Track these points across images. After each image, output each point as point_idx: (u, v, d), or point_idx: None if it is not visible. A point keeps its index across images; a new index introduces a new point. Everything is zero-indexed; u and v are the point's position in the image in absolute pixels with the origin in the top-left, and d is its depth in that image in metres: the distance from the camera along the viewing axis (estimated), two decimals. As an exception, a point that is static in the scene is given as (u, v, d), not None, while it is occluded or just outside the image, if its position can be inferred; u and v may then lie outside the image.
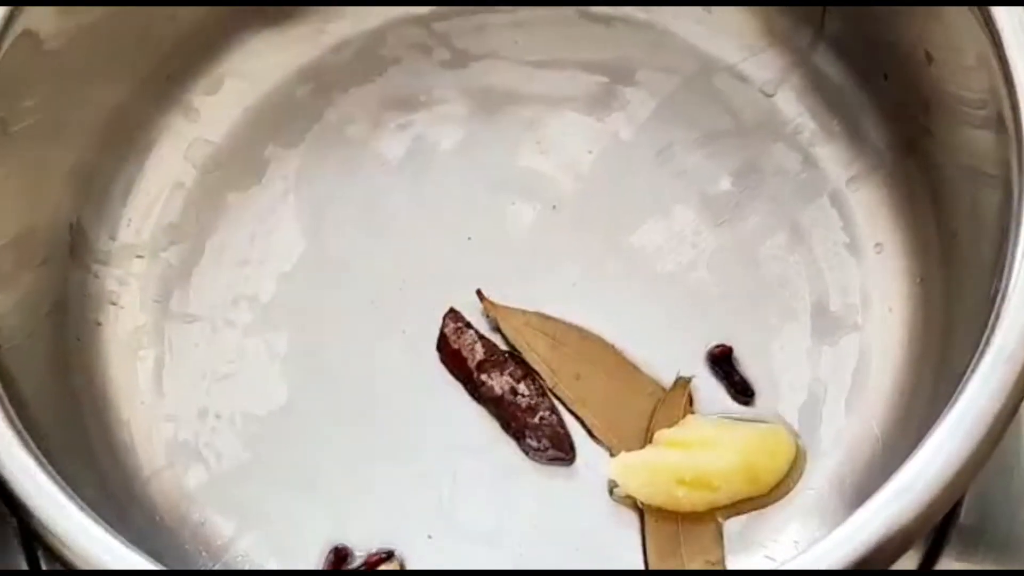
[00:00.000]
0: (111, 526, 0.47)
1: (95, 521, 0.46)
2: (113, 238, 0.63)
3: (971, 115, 0.55)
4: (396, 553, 0.57)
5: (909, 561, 0.57)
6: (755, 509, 0.57)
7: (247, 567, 0.57)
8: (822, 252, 0.62)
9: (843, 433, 0.58)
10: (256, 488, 0.58)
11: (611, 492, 0.57)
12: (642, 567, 0.56)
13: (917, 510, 0.43)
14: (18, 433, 0.48)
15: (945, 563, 0.57)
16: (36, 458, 0.47)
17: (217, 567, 0.56)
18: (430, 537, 0.57)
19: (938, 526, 0.57)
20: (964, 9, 0.53)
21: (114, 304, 0.62)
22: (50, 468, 0.47)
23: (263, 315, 0.62)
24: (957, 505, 0.57)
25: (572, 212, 0.64)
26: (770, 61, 0.66)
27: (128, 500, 0.57)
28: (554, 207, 0.64)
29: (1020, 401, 0.46)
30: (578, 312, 0.61)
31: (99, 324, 0.61)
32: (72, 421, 0.57)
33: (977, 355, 0.46)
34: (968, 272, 0.56)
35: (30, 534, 0.56)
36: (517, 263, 0.62)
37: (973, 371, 0.46)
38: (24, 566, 0.58)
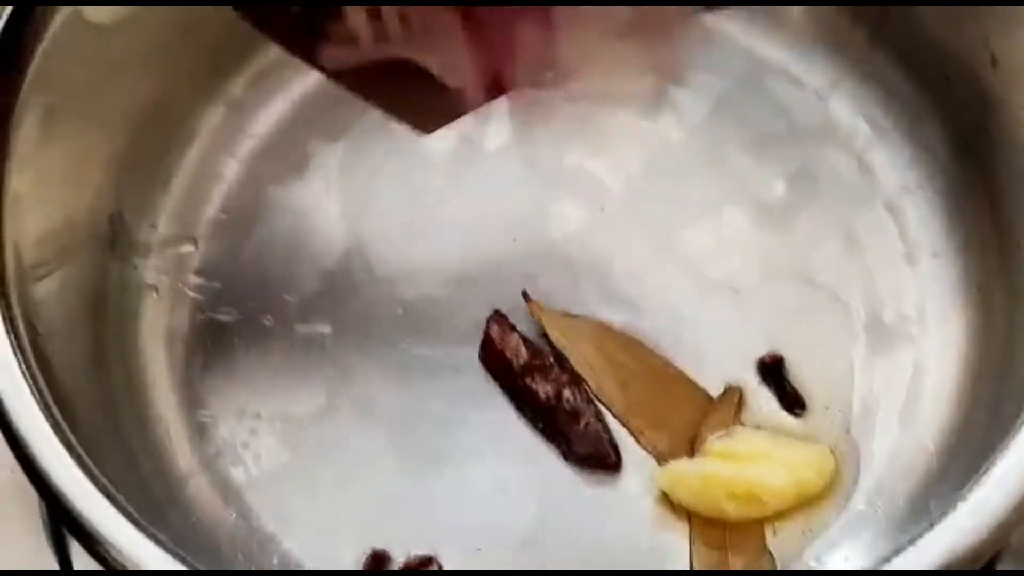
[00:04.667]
0: (148, 525, 0.46)
1: (131, 521, 0.45)
2: (154, 229, 0.61)
3: (1037, 120, 0.54)
4: (435, 558, 0.55)
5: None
6: (805, 523, 0.56)
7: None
8: (876, 261, 0.61)
9: (897, 448, 0.57)
10: (295, 491, 0.57)
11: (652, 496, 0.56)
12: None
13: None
14: (56, 427, 0.46)
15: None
16: (74, 455, 0.46)
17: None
18: (475, 547, 0.56)
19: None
20: (1037, 10, 0.52)
21: (153, 297, 0.60)
22: (89, 464, 0.46)
23: (303, 313, 0.61)
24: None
25: (620, 214, 0.62)
26: (825, 63, 0.65)
27: (165, 499, 0.55)
28: (602, 209, 0.62)
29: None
30: (625, 317, 0.60)
31: (137, 317, 0.60)
32: (110, 417, 0.55)
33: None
34: (1031, 280, 0.54)
35: (62, 532, 0.56)
36: (564, 266, 0.61)
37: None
38: (55, 566, 0.56)
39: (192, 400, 0.59)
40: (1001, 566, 0.56)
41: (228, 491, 0.57)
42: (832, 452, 0.57)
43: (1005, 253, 0.57)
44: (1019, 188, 0.56)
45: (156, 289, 0.60)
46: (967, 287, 0.59)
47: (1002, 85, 0.56)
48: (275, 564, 0.55)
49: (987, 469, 0.43)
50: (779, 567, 0.55)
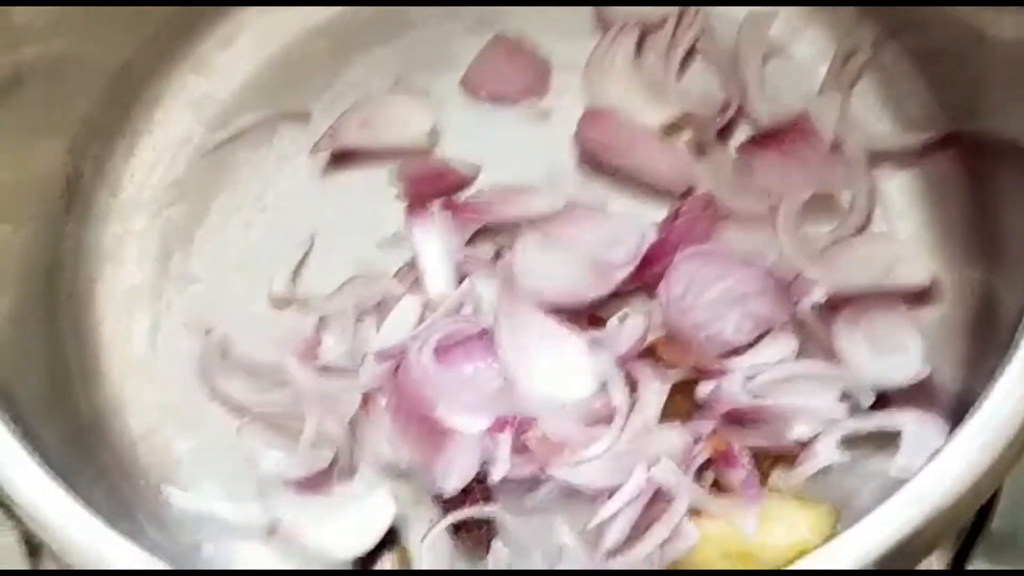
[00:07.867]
0: (94, 490, 0.46)
1: (73, 498, 0.45)
2: (115, 194, 0.61)
3: None
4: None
5: (937, 563, 0.55)
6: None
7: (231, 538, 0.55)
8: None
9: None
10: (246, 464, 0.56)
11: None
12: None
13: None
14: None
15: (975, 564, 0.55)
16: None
17: (199, 537, 0.54)
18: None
19: (968, 530, 0.56)
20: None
21: (112, 262, 0.60)
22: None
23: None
24: (988, 510, 0.55)
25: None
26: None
27: (115, 465, 0.55)
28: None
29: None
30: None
31: (94, 281, 0.59)
32: (60, 382, 0.55)
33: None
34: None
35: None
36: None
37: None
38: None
39: (148, 365, 0.58)
40: (977, 550, 0.56)
41: (179, 455, 0.57)
42: (836, 512, 0.52)
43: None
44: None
45: (116, 253, 0.60)
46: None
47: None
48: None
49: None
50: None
